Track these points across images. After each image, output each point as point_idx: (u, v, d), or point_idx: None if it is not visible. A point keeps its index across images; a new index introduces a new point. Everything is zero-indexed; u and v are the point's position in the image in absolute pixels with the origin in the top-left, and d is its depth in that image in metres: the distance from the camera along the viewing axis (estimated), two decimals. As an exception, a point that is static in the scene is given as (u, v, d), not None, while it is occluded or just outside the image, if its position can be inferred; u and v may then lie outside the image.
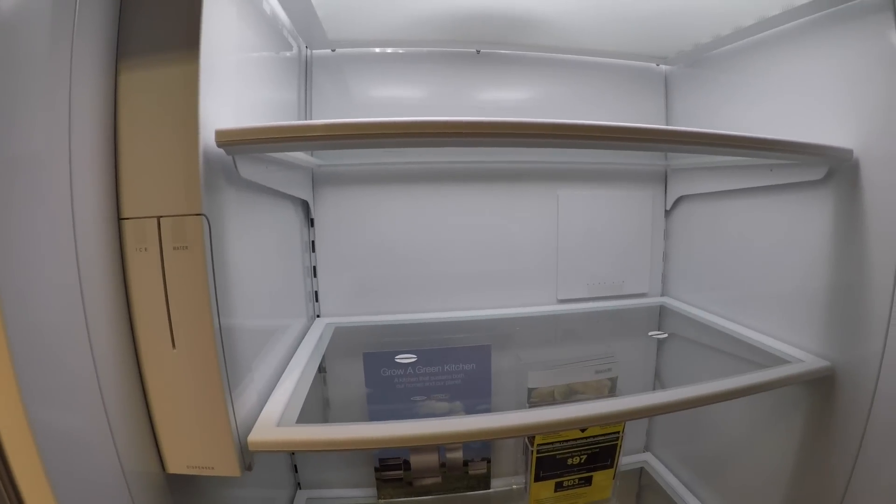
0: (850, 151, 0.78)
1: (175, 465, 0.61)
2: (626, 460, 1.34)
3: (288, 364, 0.87)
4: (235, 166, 0.61)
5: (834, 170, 0.81)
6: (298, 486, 1.25)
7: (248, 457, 0.63)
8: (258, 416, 0.68)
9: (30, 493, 0.44)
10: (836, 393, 0.82)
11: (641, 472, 1.35)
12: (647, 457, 1.38)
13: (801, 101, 0.87)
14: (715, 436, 1.14)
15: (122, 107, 0.53)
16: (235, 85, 0.66)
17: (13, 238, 0.41)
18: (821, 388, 0.84)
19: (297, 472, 1.24)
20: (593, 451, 1.10)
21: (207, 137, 0.55)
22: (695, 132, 0.71)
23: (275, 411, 0.69)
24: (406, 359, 0.98)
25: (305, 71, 1.08)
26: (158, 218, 0.53)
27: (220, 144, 0.56)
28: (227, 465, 0.61)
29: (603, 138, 0.65)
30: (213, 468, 0.61)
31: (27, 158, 0.43)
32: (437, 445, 1.12)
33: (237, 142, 0.57)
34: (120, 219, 0.54)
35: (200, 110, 0.53)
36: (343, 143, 0.63)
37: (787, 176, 0.89)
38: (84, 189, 0.49)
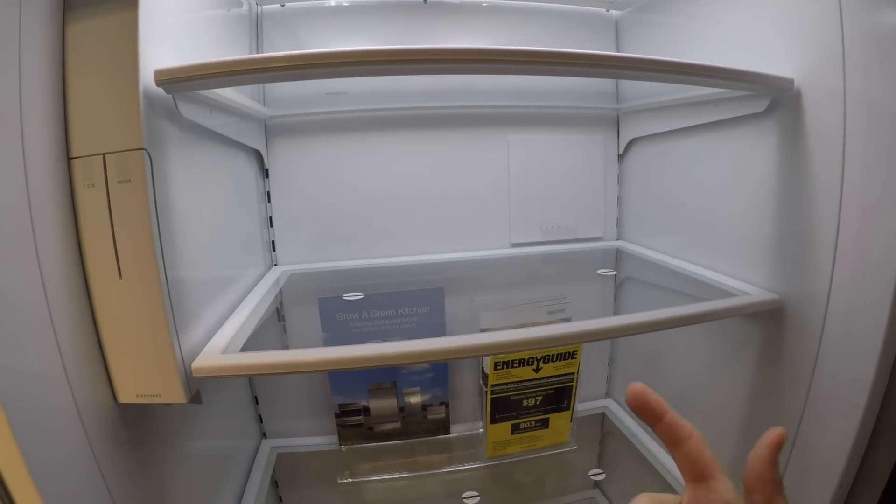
0: (790, 81, 0.82)
1: (125, 395, 0.67)
2: (586, 406, 1.45)
3: (242, 304, 0.96)
4: (176, 106, 0.69)
5: (776, 102, 0.86)
6: (263, 435, 1.34)
7: (193, 384, 0.70)
8: (204, 349, 0.75)
9: None
10: (786, 327, 0.88)
11: (603, 418, 1.45)
12: (608, 402, 1.48)
13: (745, 38, 0.92)
14: (673, 379, 1.23)
15: (69, 54, 0.60)
16: (186, 45, 0.75)
17: None
18: (771, 322, 0.90)
19: (261, 422, 1.33)
20: (548, 393, 1.20)
21: (147, 78, 0.62)
22: (641, 58, 0.77)
23: (220, 343, 0.77)
24: (354, 296, 1.06)
25: (256, 28, 1.15)
26: (104, 155, 0.60)
27: (159, 83, 0.63)
28: (172, 392, 0.68)
29: (558, 63, 0.72)
30: (160, 395, 0.68)
31: None
32: (395, 389, 1.22)
33: (174, 79, 0.64)
34: (70, 158, 0.61)
35: (141, 55, 0.60)
36: (265, 76, 0.72)
37: (731, 110, 0.95)
38: (34, 134, 0.55)
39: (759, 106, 0.88)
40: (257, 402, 1.32)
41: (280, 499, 1.34)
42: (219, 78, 0.67)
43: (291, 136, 1.19)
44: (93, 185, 0.61)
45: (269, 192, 1.19)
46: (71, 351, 0.60)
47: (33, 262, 0.55)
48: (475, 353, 0.78)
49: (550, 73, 0.82)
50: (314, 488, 1.32)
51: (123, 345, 0.66)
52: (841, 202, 0.76)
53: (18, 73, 0.53)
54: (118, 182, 0.61)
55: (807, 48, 0.80)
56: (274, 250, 1.23)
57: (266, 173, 1.18)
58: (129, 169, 0.61)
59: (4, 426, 0.49)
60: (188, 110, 0.73)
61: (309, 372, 0.87)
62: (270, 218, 1.21)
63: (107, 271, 0.63)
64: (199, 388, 0.72)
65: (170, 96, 0.68)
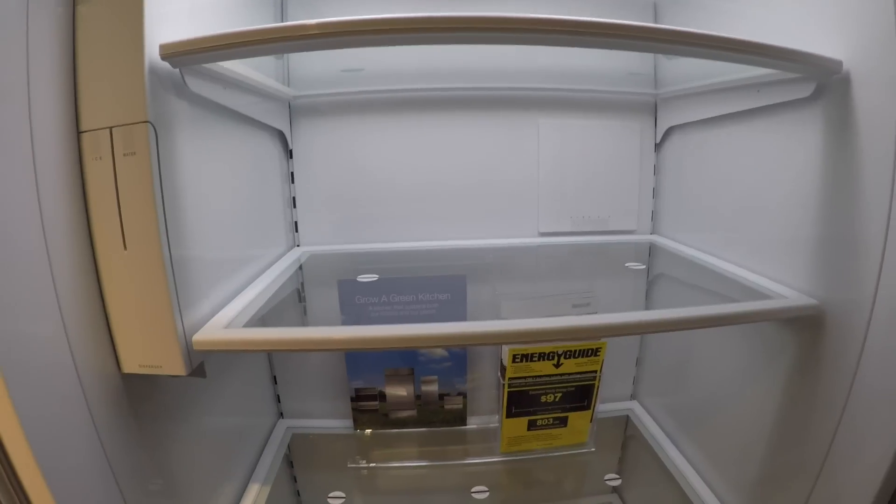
0: (839, 63, 0.78)
1: (129, 365, 0.70)
2: (610, 407, 1.44)
3: (264, 272, 1.00)
4: (183, 80, 0.70)
5: (823, 86, 0.82)
6: (280, 415, 1.38)
7: (195, 358, 0.72)
8: (208, 322, 0.77)
9: None
10: (825, 335, 0.84)
11: (627, 421, 1.44)
12: (633, 405, 1.47)
13: (789, 19, 0.89)
14: (703, 385, 1.20)
15: (79, 30, 0.62)
16: (208, 26, 0.77)
17: None
18: (809, 329, 0.86)
19: (279, 402, 1.36)
20: (569, 390, 1.19)
21: (153, 52, 0.64)
22: (685, 31, 0.74)
23: (225, 318, 0.79)
24: (367, 278, 1.07)
25: (281, 10, 1.17)
26: (111, 128, 0.62)
27: (164, 57, 0.65)
28: (173, 365, 0.70)
29: (602, 34, 0.71)
30: (161, 367, 0.70)
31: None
32: (413, 377, 1.23)
33: (179, 53, 0.65)
34: (80, 132, 0.63)
35: (149, 30, 0.62)
36: (268, 47, 0.71)
37: (774, 95, 0.92)
38: (42, 108, 0.57)
39: (805, 91, 0.84)
40: (276, 382, 1.35)
41: (294, 479, 1.37)
42: (220, 50, 0.68)
43: (316, 116, 1.20)
44: (100, 157, 0.63)
45: (292, 173, 1.21)
46: (74, 319, 0.62)
47: (39, 233, 0.57)
48: (489, 341, 0.78)
49: (594, 46, 0.77)
50: (327, 470, 1.34)
51: (127, 315, 0.68)
52: (892, 201, 0.71)
53: (26, 48, 0.55)
54: (124, 155, 0.63)
55: (857, 28, 0.76)
56: (297, 231, 1.25)
57: (290, 154, 1.20)
58: (134, 142, 0.63)
59: (3, 392, 0.50)
60: (197, 85, 0.74)
61: (309, 350, 0.89)
62: (294, 199, 1.22)
63: (113, 242, 0.66)
64: (201, 361, 0.74)
65: (177, 70, 0.69)
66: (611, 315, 0.80)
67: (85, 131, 0.63)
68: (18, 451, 0.52)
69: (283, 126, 1.15)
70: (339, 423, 1.36)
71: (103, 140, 0.63)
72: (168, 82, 0.68)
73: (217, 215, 0.85)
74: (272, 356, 1.31)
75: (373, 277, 1.08)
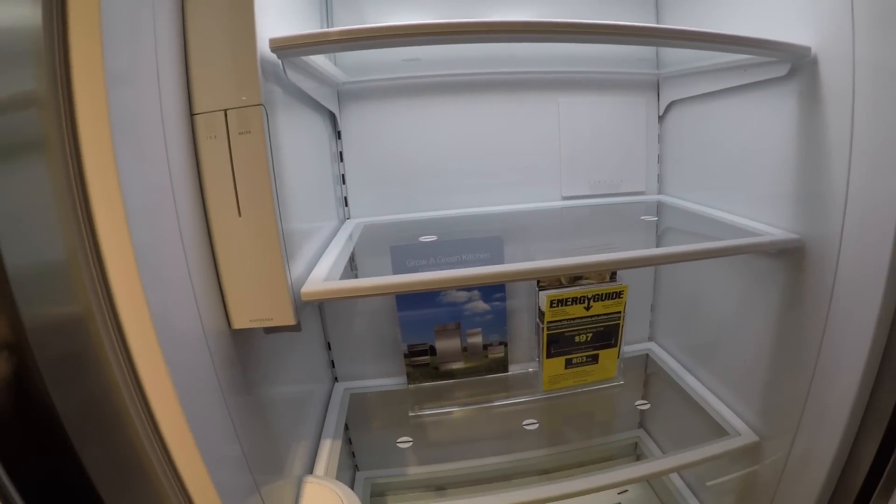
0: (808, 48, 0.92)
1: (239, 321, 0.75)
2: (632, 348, 1.56)
3: (327, 249, 1.06)
4: (284, 69, 0.80)
5: (796, 67, 0.96)
6: (335, 379, 1.46)
7: (300, 308, 0.80)
8: (307, 279, 0.86)
9: (141, 353, 0.55)
10: (807, 263, 0.98)
11: (647, 359, 1.55)
12: (651, 345, 1.59)
13: (772, 8, 1.01)
14: (709, 320, 1.33)
15: (189, 25, 0.68)
16: (275, 16, 0.84)
17: (131, 132, 0.54)
18: (794, 260, 1.00)
19: (333, 367, 1.44)
20: (598, 330, 1.30)
21: (263, 44, 0.72)
22: (678, 29, 0.91)
23: (320, 275, 0.88)
24: (428, 238, 1.16)
25: (326, 7, 1.25)
26: (225, 111, 0.69)
27: (273, 49, 0.75)
28: (283, 315, 0.76)
29: (607, 34, 0.86)
30: (271, 319, 0.76)
31: (134, 74, 0.57)
32: (459, 330, 1.31)
33: (286, 46, 0.75)
34: (192, 114, 0.69)
35: (258, 23, 0.69)
36: (360, 44, 0.80)
37: (757, 74, 1.05)
38: (168, 95, 0.64)
39: (781, 70, 0.98)
40: (330, 348, 1.43)
41: (350, 440, 1.45)
42: (317, 45, 0.79)
43: (360, 100, 1.29)
44: (215, 136, 0.69)
45: (341, 152, 1.29)
46: (200, 282, 0.67)
47: (172, 206, 0.62)
48: (528, 276, 0.92)
49: (600, 42, 0.91)
50: (389, 421, 1.44)
51: (239, 275, 0.74)
52: (851, 154, 0.86)
53: (154, 39, 0.61)
54: (239, 133, 0.69)
55: (822, 19, 0.90)
56: (346, 205, 1.33)
57: (339, 135, 1.28)
58: (249, 122, 0.69)
59: (157, 349, 0.55)
60: (292, 73, 0.84)
61: (395, 293, 0.95)
62: (343, 175, 1.31)
63: (227, 210, 0.71)
64: (302, 311, 0.81)
65: (279, 61, 0.79)
66: (628, 252, 0.93)
67: (198, 113, 0.69)
68: (167, 399, 0.57)
69: (334, 108, 1.24)
70: (392, 381, 1.45)
71: (218, 121, 0.69)
72: (270, 71, 0.76)
73: (300, 188, 0.93)
74: (326, 323, 1.39)
75: (433, 237, 1.16)
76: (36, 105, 0.49)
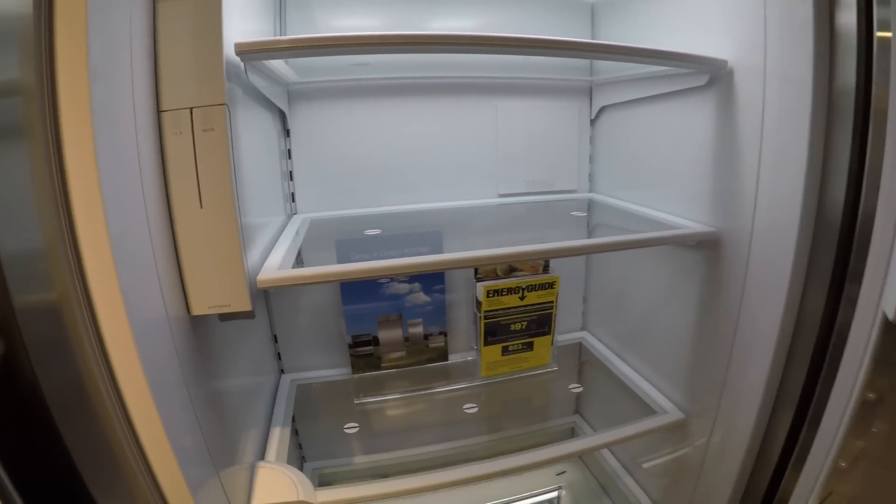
0: (724, 61, 1.03)
1: (198, 308, 0.79)
2: (565, 337, 1.68)
3: (277, 241, 1.12)
4: (246, 72, 0.88)
5: (715, 77, 1.07)
6: (282, 371, 1.52)
7: (255, 295, 0.86)
8: (261, 269, 0.92)
9: (114, 341, 0.59)
10: (722, 253, 1.09)
11: (580, 347, 1.67)
12: (584, 334, 1.70)
13: (696, 23, 1.12)
14: (636, 309, 1.45)
15: (160, 26, 0.72)
16: (237, 16, 0.90)
17: (108, 126, 0.57)
18: (711, 251, 1.12)
19: (280, 359, 1.51)
20: (532, 319, 1.40)
21: (229, 48, 0.78)
22: (606, 44, 1.04)
23: (274, 265, 0.94)
24: (373, 231, 1.23)
25: (280, 10, 1.30)
26: (191, 109, 0.74)
27: (238, 53, 0.82)
28: (240, 302, 0.81)
29: (540, 47, 0.95)
30: (229, 305, 0.80)
31: (112, 70, 0.61)
32: (401, 321, 1.40)
33: (250, 51, 0.83)
34: (159, 111, 0.74)
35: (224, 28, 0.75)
36: (324, 51, 0.89)
37: (680, 83, 1.16)
38: (139, 92, 0.68)
39: (701, 80, 1.10)
40: (276, 341, 1.48)
41: (296, 432, 1.51)
42: (279, 51, 0.87)
43: (309, 100, 1.35)
44: (180, 132, 0.74)
45: (289, 150, 1.36)
46: (164, 270, 0.71)
47: (140, 196, 0.66)
48: (465, 265, 1.02)
49: (534, 54, 1.01)
50: (336, 409, 1.49)
51: (200, 264, 0.78)
52: (760, 156, 0.97)
53: (130, 44, 0.66)
54: (203, 130, 0.75)
55: (739, 34, 1.01)
56: (294, 201, 1.40)
57: (287, 132, 1.35)
58: (212, 119, 0.75)
59: (128, 331, 0.59)
60: (252, 74, 0.92)
61: (345, 280, 1.02)
62: (290, 172, 1.38)
63: (190, 202, 0.75)
64: (257, 298, 0.88)
65: (241, 63, 0.87)
66: (558, 242, 1.05)
67: (165, 110, 0.73)
68: (134, 377, 0.61)
69: (284, 107, 1.31)
70: (337, 372, 1.52)
71: (183, 118, 0.74)
72: (233, 71, 0.83)
73: (254, 183, 0.98)
74: (272, 316, 1.45)
75: (377, 231, 1.23)
76: (22, 94, 0.53)
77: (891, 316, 0.71)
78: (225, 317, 0.86)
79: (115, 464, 0.64)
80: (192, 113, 0.74)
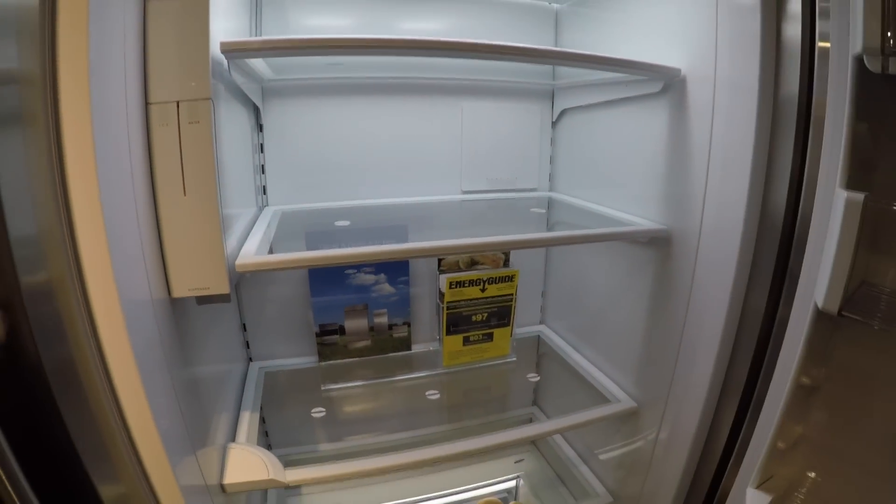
0: (678, 70, 1.11)
1: (179, 290, 0.83)
2: (524, 330, 1.77)
3: (251, 231, 1.18)
4: (229, 68, 0.95)
5: (669, 84, 1.15)
6: (250, 359, 1.58)
7: (233, 279, 0.90)
8: (239, 254, 0.98)
9: (105, 320, 0.64)
10: (673, 250, 1.18)
11: (539, 340, 1.77)
12: (542, 328, 1.81)
13: (654, 32, 1.20)
14: (592, 303, 1.54)
15: (150, 24, 0.77)
16: (221, 15, 0.97)
17: (104, 116, 0.62)
18: (662, 247, 1.21)
19: (248, 347, 1.57)
20: (492, 310, 1.49)
21: (215, 47, 0.84)
22: (566, 52, 1.17)
23: (250, 251, 1.00)
24: (343, 223, 1.30)
25: (256, 8, 1.36)
26: (178, 102, 0.80)
27: (223, 51, 0.89)
28: (219, 284, 0.86)
29: (503, 53, 1.03)
30: (208, 288, 0.85)
31: (107, 64, 0.64)
32: (367, 311, 1.48)
33: (233, 49, 0.90)
34: (147, 104, 0.79)
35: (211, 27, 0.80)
36: (306, 52, 0.98)
37: (636, 89, 1.25)
38: (130, 85, 0.73)
39: (656, 87, 1.18)
40: (245, 330, 1.55)
41: (263, 420, 1.56)
42: (261, 51, 0.95)
43: (283, 96, 1.42)
44: (167, 124, 0.78)
45: (262, 144, 1.43)
46: (149, 254, 0.76)
47: (130, 184, 0.70)
48: (431, 253, 1.16)
49: (499, 59, 1.10)
50: (302, 396, 1.56)
51: (181, 248, 0.83)
52: (709, 157, 1.06)
53: (123, 39, 0.69)
54: (189, 123, 0.78)
55: (691, 43, 1.09)
56: (265, 193, 1.46)
57: (261, 127, 1.42)
58: (198, 113, 0.78)
59: (118, 308, 0.64)
60: (234, 71, 1.00)
61: (317, 266, 1.08)
62: (263, 166, 1.44)
63: (174, 189, 0.80)
64: (237, 280, 0.94)
65: (224, 60, 0.94)
66: (518, 235, 1.14)
67: (153, 103, 0.77)
68: (123, 355, 0.66)
69: (258, 102, 1.37)
70: (304, 360, 1.59)
71: (170, 111, 0.77)
72: (217, 69, 0.88)
73: (231, 174, 1.05)
74: (242, 305, 1.51)
75: (346, 223, 1.31)
76: (25, 84, 0.57)
77: (820, 305, 0.78)
78: (202, 300, 0.91)
79: (103, 438, 0.68)
80: (178, 106, 0.79)
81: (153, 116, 0.78)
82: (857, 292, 0.78)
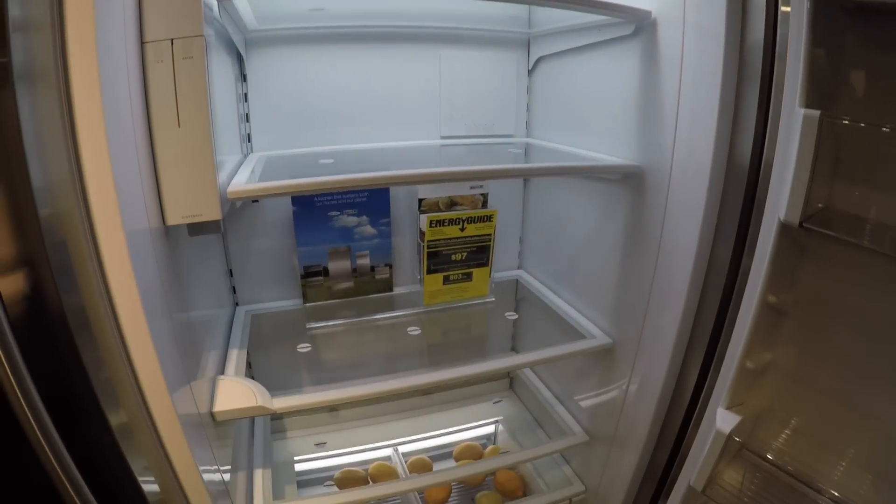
0: (648, 12, 1.17)
1: (173, 218, 0.90)
2: (503, 274, 1.89)
3: (239, 168, 1.27)
4: (218, 9, 1.03)
5: (640, 28, 1.22)
6: (237, 304, 1.68)
7: (224, 206, 0.96)
8: (230, 183, 1.06)
9: (109, 248, 0.70)
10: (646, 186, 1.26)
11: (517, 284, 1.89)
12: (521, 273, 1.94)
13: None
14: (569, 245, 1.65)
15: None
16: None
17: (108, 55, 0.67)
18: (636, 184, 1.29)
19: (235, 292, 1.67)
20: (471, 250, 1.61)
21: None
22: None
23: (241, 181, 1.09)
24: (326, 161, 1.38)
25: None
26: (172, 39, 0.87)
27: None
28: (211, 210, 0.92)
29: None
30: (201, 214, 0.91)
31: (109, 8, 0.69)
32: (349, 253, 1.59)
33: None
34: (143, 42, 0.82)
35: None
36: None
37: (609, 33, 1.33)
38: (128, 25, 0.77)
39: (628, 30, 1.25)
40: (232, 275, 1.65)
41: (249, 365, 1.67)
42: None
43: (266, 46, 1.49)
44: (161, 61, 0.84)
45: (246, 94, 1.51)
46: (147, 183, 0.83)
47: (129, 117, 0.76)
48: (411, 181, 1.26)
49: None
50: (288, 335, 1.64)
51: (175, 178, 0.89)
52: (679, 99, 1.12)
53: None
54: (182, 58, 0.84)
55: None
56: (249, 141, 1.55)
57: (244, 77, 1.50)
58: (191, 49, 0.84)
59: (121, 233, 0.70)
60: (223, 14, 1.09)
61: (306, 192, 1.13)
62: (247, 115, 1.53)
63: (169, 122, 0.86)
64: (227, 208, 1.01)
65: (215, 4, 1.02)
66: (495, 164, 1.31)
67: (148, 41, 0.83)
68: (127, 281, 0.72)
69: (242, 51, 1.45)
70: (288, 303, 1.70)
71: (165, 48, 0.83)
72: (207, 13, 0.95)
73: (219, 118, 1.08)
74: (229, 250, 1.61)
75: (329, 161, 1.39)
76: (34, 28, 0.61)
77: (782, 217, 0.86)
78: (194, 230, 0.99)
79: (109, 371, 0.75)
80: (172, 43, 0.85)
81: (149, 54, 0.84)
82: (819, 212, 0.86)
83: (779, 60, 0.95)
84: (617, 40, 1.31)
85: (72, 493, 0.74)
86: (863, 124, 0.84)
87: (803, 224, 0.84)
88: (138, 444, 0.81)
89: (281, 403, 1.18)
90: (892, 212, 0.84)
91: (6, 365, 0.63)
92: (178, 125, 0.88)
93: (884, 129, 0.82)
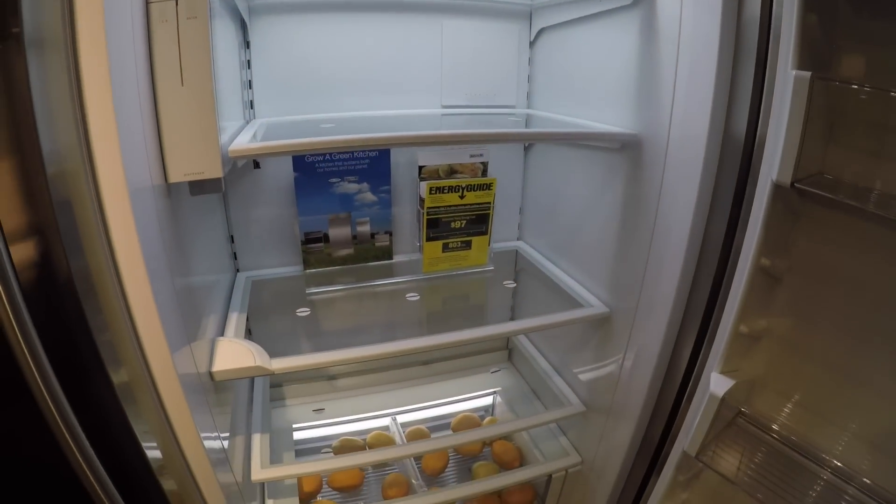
0: None
1: (175, 175, 0.93)
2: (503, 245, 1.94)
3: (240, 133, 1.30)
4: None
5: None
6: (237, 270, 1.74)
7: (226, 165, 1.00)
8: (231, 144, 1.10)
9: (111, 197, 0.72)
10: (643, 154, 1.27)
11: (517, 255, 1.94)
12: (520, 244, 1.99)
13: None
14: (568, 215, 1.68)
15: None
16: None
17: (115, 16, 0.70)
18: (633, 152, 1.30)
19: (236, 258, 1.72)
20: (470, 218, 1.65)
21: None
22: None
23: (242, 142, 1.13)
24: (327, 125, 1.42)
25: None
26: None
27: None
28: (213, 168, 0.95)
29: None
30: (203, 172, 0.95)
31: None
32: (350, 219, 1.64)
33: None
34: (148, 3, 0.83)
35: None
36: None
37: (609, 3, 1.36)
38: None
39: (627, 0, 1.29)
40: (233, 241, 1.70)
41: (249, 332, 1.69)
42: None
43: (269, 13, 1.53)
44: (166, 21, 0.86)
45: (249, 61, 1.55)
46: (150, 141, 0.85)
47: (134, 75, 0.79)
48: (411, 142, 1.29)
49: None
50: (288, 300, 1.67)
51: (178, 136, 0.92)
52: (676, 69, 1.14)
53: None
54: (187, 18, 0.87)
55: None
56: (252, 108, 1.60)
57: (248, 44, 1.54)
58: (195, 9, 0.86)
59: (124, 188, 0.73)
60: None
61: (307, 151, 1.23)
62: (250, 81, 1.57)
63: (172, 81, 0.89)
64: (229, 167, 1.06)
65: None
66: (496, 129, 1.33)
67: (153, 2, 0.85)
68: (128, 231, 0.75)
69: (246, 18, 1.49)
70: (289, 269, 1.75)
71: (169, 8, 0.85)
72: None
73: (223, 79, 1.13)
74: (230, 216, 1.66)
75: (331, 124, 1.43)
76: None
77: (774, 178, 0.88)
78: (196, 188, 1.03)
79: (112, 331, 0.79)
80: (177, 3, 0.87)
81: (153, 14, 0.87)
82: (812, 176, 0.88)
83: (774, 35, 0.97)
84: (617, 11, 1.33)
85: (78, 455, 0.79)
86: (854, 86, 0.88)
87: (795, 184, 0.87)
88: (140, 406, 0.86)
89: (279, 364, 1.21)
90: (887, 177, 0.87)
91: (13, 320, 0.68)
92: (182, 84, 0.91)
93: (874, 90, 0.85)
